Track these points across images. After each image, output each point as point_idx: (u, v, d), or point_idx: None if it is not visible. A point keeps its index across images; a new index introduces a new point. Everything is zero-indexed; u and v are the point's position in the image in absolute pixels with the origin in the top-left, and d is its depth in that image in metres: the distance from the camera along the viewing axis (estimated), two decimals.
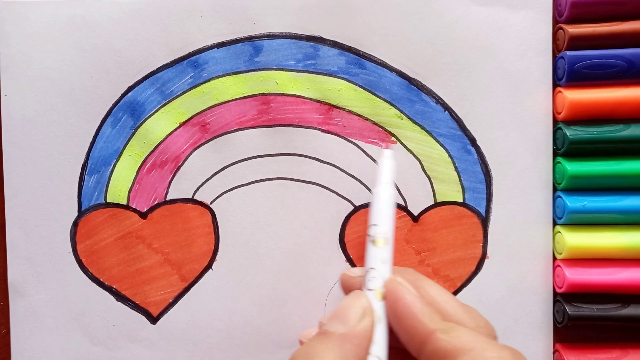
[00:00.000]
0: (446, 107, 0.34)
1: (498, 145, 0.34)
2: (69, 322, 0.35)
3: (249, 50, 0.34)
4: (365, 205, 0.34)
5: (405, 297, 0.25)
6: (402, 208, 0.34)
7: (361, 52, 0.34)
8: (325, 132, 0.34)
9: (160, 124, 0.34)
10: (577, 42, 0.32)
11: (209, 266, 0.35)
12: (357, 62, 0.34)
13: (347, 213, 0.34)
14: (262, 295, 0.35)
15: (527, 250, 0.34)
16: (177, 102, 0.34)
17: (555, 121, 0.34)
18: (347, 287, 0.28)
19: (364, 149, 0.34)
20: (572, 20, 0.32)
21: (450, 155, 0.34)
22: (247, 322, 0.35)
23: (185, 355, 0.35)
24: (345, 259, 0.35)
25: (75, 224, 0.35)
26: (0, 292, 0.35)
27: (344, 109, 0.34)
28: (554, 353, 0.34)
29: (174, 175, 0.35)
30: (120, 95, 0.34)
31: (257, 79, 0.34)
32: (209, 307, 0.35)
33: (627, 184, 0.32)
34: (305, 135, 0.34)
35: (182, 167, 0.35)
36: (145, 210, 0.35)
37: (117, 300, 0.35)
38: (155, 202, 0.35)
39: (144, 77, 0.34)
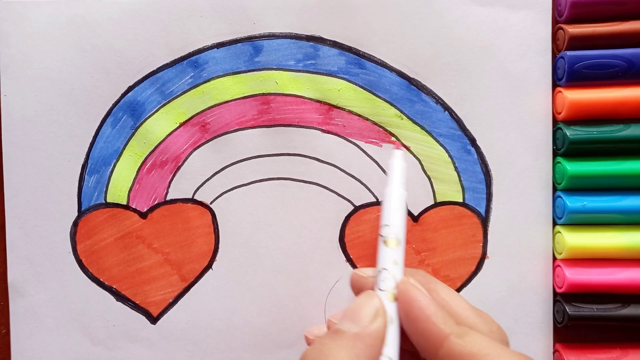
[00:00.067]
0: (446, 107, 0.34)
1: (498, 145, 0.34)
2: (69, 322, 0.35)
3: (249, 50, 0.34)
4: (366, 205, 0.34)
5: (419, 299, 0.25)
6: None
7: (361, 52, 0.34)
8: (325, 132, 0.34)
9: (160, 124, 0.34)
10: (577, 42, 0.32)
11: (209, 266, 0.35)
12: (357, 62, 0.34)
13: (347, 213, 0.34)
14: (262, 295, 0.35)
15: (527, 250, 0.34)
16: (177, 102, 0.34)
17: (555, 121, 0.34)
18: (358, 287, 0.28)
19: (364, 149, 0.34)
20: (572, 20, 0.32)
21: (450, 155, 0.34)
22: (247, 322, 0.35)
23: (185, 355, 0.35)
24: (345, 259, 0.35)
25: (75, 224, 0.35)
26: (0, 292, 0.35)
27: (344, 109, 0.34)
28: (554, 353, 0.34)
29: (174, 175, 0.35)
30: (120, 95, 0.34)
31: (257, 79, 0.34)
32: (209, 307, 0.35)
33: (627, 184, 0.32)
34: (305, 135, 0.34)
35: (182, 167, 0.35)
36: (145, 210, 0.35)
37: (117, 300, 0.35)
38: (155, 202, 0.35)
39: (144, 77, 0.34)
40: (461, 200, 0.34)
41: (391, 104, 0.34)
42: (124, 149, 0.35)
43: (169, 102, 0.34)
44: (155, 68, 0.34)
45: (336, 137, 0.34)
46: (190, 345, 0.35)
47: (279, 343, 0.35)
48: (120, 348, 0.35)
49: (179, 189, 0.35)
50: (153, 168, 0.35)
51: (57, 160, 0.35)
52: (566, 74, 0.32)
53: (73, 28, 0.34)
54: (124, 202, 0.35)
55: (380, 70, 0.34)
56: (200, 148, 0.34)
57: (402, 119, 0.34)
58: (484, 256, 0.34)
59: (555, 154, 0.34)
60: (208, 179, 0.35)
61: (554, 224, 0.34)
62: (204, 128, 0.34)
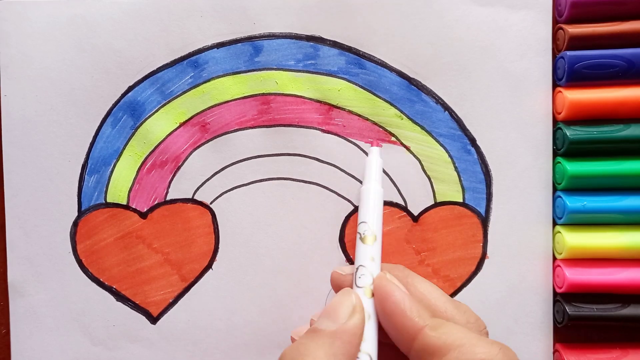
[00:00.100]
0: (446, 107, 0.34)
1: (498, 145, 0.34)
2: (69, 322, 0.35)
3: (249, 50, 0.34)
4: None
5: (394, 294, 0.25)
6: (402, 208, 0.34)
7: (361, 52, 0.34)
8: (325, 132, 0.34)
9: (160, 124, 0.34)
10: (577, 42, 0.32)
11: (209, 266, 0.35)
12: (357, 62, 0.34)
13: (347, 213, 0.34)
14: (262, 295, 0.35)
15: (527, 250, 0.34)
16: (177, 102, 0.34)
17: (555, 121, 0.34)
18: (338, 285, 0.29)
19: (364, 149, 0.34)
20: (572, 20, 0.32)
21: (450, 155, 0.34)
22: (247, 322, 0.35)
23: (185, 355, 0.35)
24: (345, 259, 0.35)
25: (75, 224, 0.35)
26: (0, 292, 0.35)
27: (344, 109, 0.34)
28: (554, 353, 0.34)
29: (174, 175, 0.35)
30: (120, 95, 0.34)
31: (257, 79, 0.34)
32: (209, 307, 0.35)
33: (627, 184, 0.32)
34: (305, 135, 0.34)
35: (182, 167, 0.35)
36: (145, 210, 0.35)
37: (117, 300, 0.35)
38: (155, 202, 0.35)
39: (144, 77, 0.34)
40: (461, 200, 0.34)
41: (391, 104, 0.34)
42: (124, 149, 0.35)
43: (169, 102, 0.34)
44: (155, 68, 0.34)
45: (336, 137, 0.34)
46: (190, 345, 0.35)
47: (279, 343, 0.35)
48: (120, 348, 0.35)
49: (179, 189, 0.35)
50: (153, 168, 0.35)
51: (57, 160, 0.35)
52: (566, 74, 0.32)
53: (73, 28, 0.34)
54: (124, 202, 0.35)
55: (380, 70, 0.34)
56: (200, 148, 0.34)
57: (402, 119, 0.34)
58: (484, 256, 0.34)
59: (555, 154, 0.34)
60: (208, 179, 0.35)
61: (554, 224, 0.34)
62: (204, 128, 0.34)
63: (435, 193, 0.34)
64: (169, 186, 0.35)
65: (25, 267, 0.35)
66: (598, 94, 0.32)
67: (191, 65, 0.34)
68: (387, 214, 0.34)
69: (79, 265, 0.35)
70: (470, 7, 0.33)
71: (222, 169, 0.35)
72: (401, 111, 0.34)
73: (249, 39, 0.34)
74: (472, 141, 0.34)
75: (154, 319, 0.35)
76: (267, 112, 0.34)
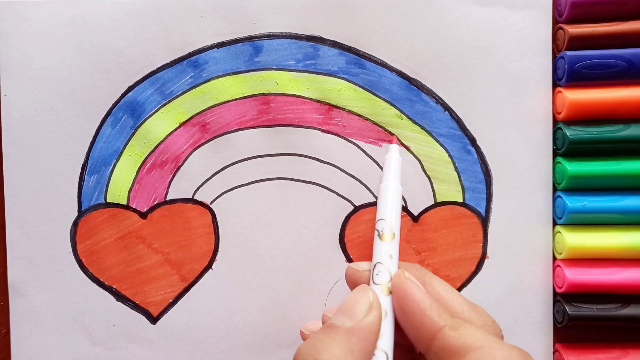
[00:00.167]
0: (446, 107, 0.34)
1: (498, 145, 0.34)
2: (69, 322, 0.35)
3: (249, 50, 0.34)
4: (366, 205, 0.34)
5: (413, 292, 0.25)
6: (402, 208, 0.34)
7: (361, 52, 0.34)
8: (325, 132, 0.34)
9: (160, 124, 0.34)
10: (577, 42, 0.32)
11: (209, 266, 0.35)
12: (357, 62, 0.34)
13: (347, 213, 0.34)
14: (262, 295, 0.35)
15: (527, 250, 0.34)
16: (177, 102, 0.34)
17: (555, 121, 0.34)
18: (353, 281, 0.28)
19: (364, 149, 0.34)
20: (572, 20, 0.32)
21: (450, 155, 0.34)
22: (247, 322, 0.35)
23: (185, 355, 0.35)
24: (345, 259, 0.35)
25: (75, 224, 0.35)
26: (0, 292, 0.35)
27: (344, 109, 0.34)
28: (554, 353, 0.34)
29: (174, 175, 0.35)
30: (120, 95, 0.34)
31: (257, 79, 0.34)
32: (209, 307, 0.35)
33: (627, 184, 0.32)
34: (305, 135, 0.34)
35: (182, 167, 0.35)
36: (145, 210, 0.35)
37: (117, 300, 0.35)
38: (155, 202, 0.35)
39: (144, 77, 0.34)
40: (461, 200, 0.34)
41: (391, 104, 0.34)
42: (124, 149, 0.35)
43: (169, 102, 0.34)
44: (155, 68, 0.34)
45: (336, 137, 0.34)
46: (190, 345, 0.35)
47: (279, 343, 0.35)
48: (120, 348, 0.35)
49: (179, 189, 0.35)
50: (153, 168, 0.35)
51: (57, 160, 0.35)
52: (566, 74, 0.32)
53: (73, 28, 0.34)
54: (124, 202, 0.35)
55: (380, 70, 0.34)
56: (200, 148, 0.34)
57: (402, 119, 0.34)
58: (484, 256, 0.34)
59: (555, 154, 0.34)
60: (208, 179, 0.35)
61: (554, 224, 0.34)
62: (204, 128, 0.34)
63: (435, 193, 0.34)
64: (169, 186, 0.35)
65: (25, 267, 0.35)
66: (598, 94, 0.32)
67: (191, 65, 0.34)
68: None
69: (79, 265, 0.35)
70: (470, 7, 0.33)
71: (222, 169, 0.35)
72: (401, 111, 0.34)
73: (249, 39, 0.34)
74: (472, 141, 0.34)
75: (154, 319, 0.35)
76: (267, 112, 0.34)
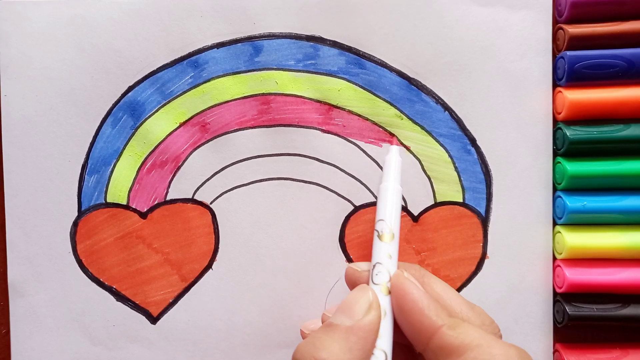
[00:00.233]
0: (446, 107, 0.34)
1: (498, 145, 0.34)
2: (69, 322, 0.35)
3: (249, 50, 0.34)
4: (366, 205, 0.34)
5: (412, 292, 0.25)
6: (402, 208, 0.34)
7: (361, 52, 0.34)
8: (325, 132, 0.34)
9: (160, 124, 0.34)
10: (577, 42, 0.32)
11: (209, 266, 0.35)
12: (357, 62, 0.34)
13: (347, 213, 0.34)
14: (262, 295, 0.35)
15: (527, 250, 0.34)
16: (177, 102, 0.34)
17: (555, 121, 0.34)
18: (352, 281, 0.28)
19: (364, 149, 0.34)
20: (572, 20, 0.32)
21: (450, 155, 0.34)
22: (247, 322, 0.35)
23: (185, 355, 0.35)
24: (345, 259, 0.35)
25: (75, 224, 0.35)
26: (0, 292, 0.35)
27: (344, 109, 0.34)
28: (554, 353, 0.34)
29: (174, 175, 0.35)
30: (120, 95, 0.34)
31: (257, 79, 0.34)
32: (209, 307, 0.35)
33: (627, 184, 0.32)
34: (305, 135, 0.34)
35: (182, 167, 0.35)
36: (145, 210, 0.35)
37: (117, 300, 0.35)
38: (155, 202, 0.35)
39: (144, 77, 0.34)
40: (461, 200, 0.34)
41: (391, 104, 0.34)
42: (124, 149, 0.35)
43: (169, 102, 0.34)
44: (155, 68, 0.34)
45: (336, 137, 0.34)
46: (190, 345, 0.35)
47: (279, 343, 0.35)
48: (120, 348, 0.35)
49: (179, 189, 0.35)
50: (153, 168, 0.35)
51: (57, 160, 0.35)
52: (566, 74, 0.32)
53: (73, 28, 0.34)
54: (124, 202, 0.35)
55: (380, 70, 0.34)
56: (200, 148, 0.34)
57: (402, 119, 0.34)
58: (484, 256, 0.34)
59: (555, 154, 0.34)
60: (208, 179, 0.35)
61: (554, 224, 0.34)
62: (204, 128, 0.34)
63: (435, 193, 0.34)
64: (169, 186, 0.35)
65: (25, 267, 0.35)
66: (598, 94, 0.32)
67: (191, 65, 0.34)
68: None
69: (79, 265, 0.35)
70: (470, 7, 0.33)
71: (222, 169, 0.35)
72: (401, 111, 0.34)
73: (249, 39, 0.34)
74: (472, 141, 0.34)
75: (154, 319, 0.35)
76: (267, 112, 0.34)
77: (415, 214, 0.34)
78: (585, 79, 0.32)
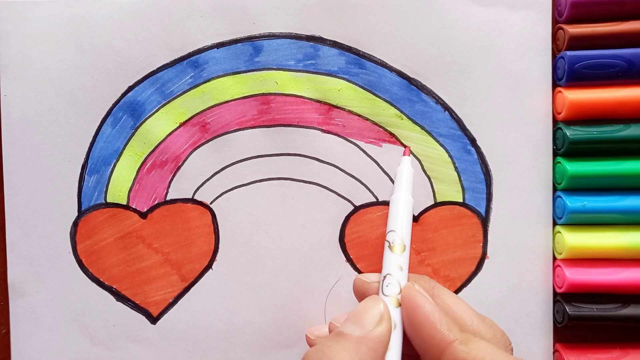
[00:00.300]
0: (446, 107, 0.34)
1: (498, 145, 0.34)
2: (69, 322, 0.35)
3: (249, 50, 0.34)
4: (366, 205, 0.34)
5: (423, 305, 0.25)
6: None
7: (361, 52, 0.34)
8: (325, 132, 0.34)
9: (160, 124, 0.34)
10: (577, 42, 0.32)
11: (209, 266, 0.35)
12: (357, 62, 0.34)
13: (347, 213, 0.34)
14: (262, 295, 0.35)
15: (527, 250, 0.34)
16: (177, 102, 0.34)
17: (555, 121, 0.34)
18: (361, 292, 0.28)
19: (364, 149, 0.34)
20: (572, 20, 0.32)
21: (450, 155, 0.34)
22: (247, 322, 0.35)
23: (185, 355, 0.35)
24: (345, 259, 0.35)
25: (75, 224, 0.35)
26: (0, 292, 0.35)
27: (344, 109, 0.34)
28: (554, 353, 0.34)
29: (174, 175, 0.35)
30: (120, 95, 0.34)
31: (257, 79, 0.34)
32: (209, 307, 0.35)
33: (627, 184, 0.32)
34: (305, 135, 0.34)
35: (182, 167, 0.35)
36: (145, 210, 0.35)
37: (117, 300, 0.35)
38: (155, 202, 0.35)
39: (144, 77, 0.34)
40: (461, 200, 0.34)
41: (391, 104, 0.34)
42: (124, 149, 0.35)
43: (169, 102, 0.34)
44: (155, 68, 0.34)
45: (336, 137, 0.34)
46: (190, 345, 0.35)
47: (279, 343, 0.35)
48: (120, 348, 0.35)
49: (179, 189, 0.35)
50: (153, 168, 0.35)
51: (57, 160, 0.35)
52: (566, 74, 0.32)
53: (73, 28, 0.34)
54: (124, 202, 0.35)
55: (380, 70, 0.34)
56: (200, 148, 0.34)
57: (402, 119, 0.34)
58: (484, 256, 0.34)
59: (555, 154, 0.34)
60: (208, 179, 0.35)
61: (554, 224, 0.34)
62: (204, 128, 0.34)
63: (435, 193, 0.34)
64: (169, 186, 0.35)
65: (25, 267, 0.35)
66: (598, 94, 0.32)
67: (191, 65, 0.34)
68: (387, 214, 0.34)
69: (79, 265, 0.35)
70: (470, 7, 0.33)
71: (222, 169, 0.35)
72: (401, 111, 0.34)
73: (249, 39, 0.34)
74: (472, 141, 0.34)
75: (154, 319, 0.35)
76: (267, 112, 0.34)
77: (415, 214, 0.34)
78: (585, 79, 0.32)
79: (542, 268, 0.34)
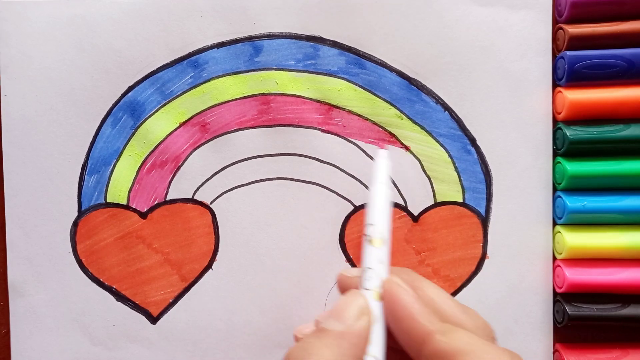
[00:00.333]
0: (446, 107, 0.34)
1: (498, 145, 0.34)
2: (69, 322, 0.35)
3: (249, 50, 0.34)
4: (366, 205, 0.34)
5: (403, 297, 0.25)
6: (402, 208, 0.34)
7: (361, 52, 0.34)
8: (325, 132, 0.34)
9: (160, 124, 0.34)
10: (577, 42, 0.32)
11: (209, 266, 0.35)
12: (357, 62, 0.34)
13: (347, 213, 0.34)
14: (262, 295, 0.35)
15: (527, 250, 0.34)
16: (177, 102, 0.34)
17: (555, 121, 0.34)
18: (344, 287, 0.28)
19: (364, 149, 0.34)
20: (572, 20, 0.32)
21: (450, 155, 0.34)
22: (247, 322, 0.35)
23: (185, 355, 0.35)
24: (345, 259, 0.35)
25: (75, 224, 0.35)
26: (0, 292, 0.35)
27: (344, 109, 0.34)
28: (554, 353, 0.34)
29: (174, 175, 0.35)
30: (120, 95, 0.34)
31: (257, 79, 0.34)
32: (209, 307, 0.35)
33: (627, 184, 0.32)
34: (305, 135, 0.34)
35: (182, 167, 0.35)
36: (145, 210, 0.35)
37: (117, 300, 0.35)
38: (155, 202, 0.35)
39: (144, 77, 0.34)
40: (461, 200, 0.34)
41: (391, 104, 0.34)
42: (124, 149, 0.35)
43: (169, 102, 0.34)
44: (155, 68, 0.34)
45: (336, 137, 0.34)
46: (190, 345, 0.35)
47: (279, 343, 0.35)
48: (120, 348, 0.35)
49: (179, 189, 0.35)
50: (153, 168, 0.35)
51: (57, 160, 0.35)
52: (566, 74, 0.32)
53: (73, 28, 0.34)
54: (124, 202, 0.35)
55: (380, 70, 0.34)
56: (200, 148, 0.34)
57: (402, 119, 0.34)
58: (484, 256, 0.34)
59: (555, 154, 0.34)
60: (208, 179, 0.35)
61: (554, 224, 0.34)
62: (204, 128, 0.34)
63: (435, 193, 0.34)
64: (169, 186, 0.35)
65: (25, 267, 0.35)
66: (598, 94, 0.32)
67: (191, 65, 0.34)
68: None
69: (79, 265, 0.35)
70: (470, 7, 0.33)
71: (222, 169, 0.35)
72: (401, 111, 0.34)
73: (249, 39, 0.34)
74: (472, 141, 0.34)
75: (154, 319, 0.35)
76: (267, 112, 0.34)
77: (415, 214, 0.34)
78: (585, 79, 0.32)
79: (542, 268, 0.34)
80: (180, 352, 0.35)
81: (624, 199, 0.32)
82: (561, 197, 0.33)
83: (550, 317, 0.34)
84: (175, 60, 0.34)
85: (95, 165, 0.35)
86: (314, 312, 0.35)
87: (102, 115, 0.35)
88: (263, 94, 0.34)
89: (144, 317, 0.35)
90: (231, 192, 0.35)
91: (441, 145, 0.34)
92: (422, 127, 0.34)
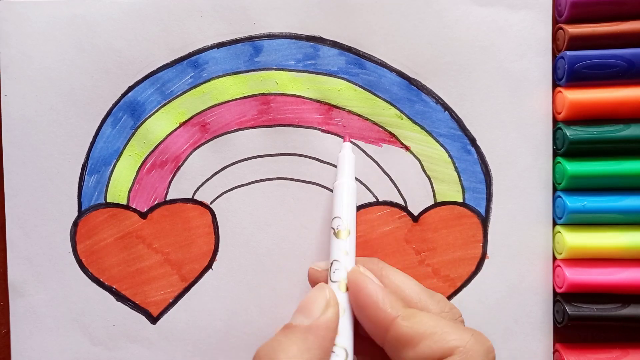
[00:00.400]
0: (446, 107, 0.34)
1: (498, 145, 0.34)
2: (69, 322, 0.35)
3: (249, 50, 0.34)
4: (366, 205, 0.34)
5: (367, 286, 0.26)
6: (402, 208, 0.34)
7: (361, 52, 0.34)
8: (325, 132, 0.34)
9: (160, 124, 0.34)
10: (577, 42, 0.32)
11: (209, 266, 0.35)
12: (357, 62, 0.34)
13: None
14: (262, 295, 0.35)
15: (527, 250, 0.34)
16: (177, 102, 0.34)
17: (555, 121, 0.34)
18: (314, 281, 0.29)
19: (364, 149, 0.34)
20: (572, 20, 0.32)
21: (450, 155, 0.34)
22: (247, 322, 0.35)
23: (185, 355, 0.35)
24: None
25: (75, 224, 0.35)
26: (0, 292, 0.35)
27: (344, 109, 0.34)
28: (554, 353, 0.34)
29: (174, 175, 0.35)
30: (120, 95, 0.34)
31: (257, 79, 0.34)
32: (209, 307, 0.35)
33: (627, 184, 0.32)
34: (305, 135, 0.34)
35: (182, 167, 0.35)
36: (145, 210, 0.35)
37: (117, 300, 0.35)
38: (155, 202, 0.35)
39: (144, 77, 0.34)
40: (461, 200, 0.34)
41: (391, 104, 0.34)
42: (124, 149, 0.35)
43: (169, 102, 0.34)
44: (155, 68, 0.34)
45: (336, 137, 0.34)
46: (190, 345, 0.35)
47: None
48: (120, 348, 0.35)
49: (179, 189, 0.35)
50: (153, 168, 0.35)
51: (57, 160, 0.35)
52: (566, 74, 0.32)
53: (73, 28, 0.34)
54: (124, 202, 0.35)
55: (380, 70, 0.34)
56: (200, 148, 0.34)
57: (402, 119, 0.34)
58: (484, 256, 0.34)
59: (555, 154, 0.34)
60: (208, 179, 0.35)
61: (554, 224, 0.34)
62: (204, 128, 0.34)
63: (435, 193, 0.34)
64: (169, 186, 0.35)
65: (25, 267, 0.35)
66: (598, 94, 0.32)
67: (191, 65, 0.34)
68: (387, 214, 0.34)
69: (79, 265, 0.35)
70: (470, 7, 0.33)
71: (222, 169, 0.35)
72: (401, 111, 0.34)
73: (249, 39, 0.34)
74: (472, 141, 0.34)
75: (154, 319, 0.35)
76: (267, 112, 0.34)
77: (415, 214, 0.34)
78: (585, 79, 0.32)
79: (542, 268, 0.34)
80: (180, 352, 0.35)
81: (624, 199, 0.32)
82: (561, 197, 0.33)
83: (550, 317, 0.34)
84: (175, 60, 0.34)
85: (95, 165, 0.35)
86: None
87: (102, 115, 0.35)
88: (263, 94, 0.34)
89: (144, 317, 0.35)
90: (231, 192, 0.35)
91: (441, 145, 0.34)
92: (422, 127, 0.34)
